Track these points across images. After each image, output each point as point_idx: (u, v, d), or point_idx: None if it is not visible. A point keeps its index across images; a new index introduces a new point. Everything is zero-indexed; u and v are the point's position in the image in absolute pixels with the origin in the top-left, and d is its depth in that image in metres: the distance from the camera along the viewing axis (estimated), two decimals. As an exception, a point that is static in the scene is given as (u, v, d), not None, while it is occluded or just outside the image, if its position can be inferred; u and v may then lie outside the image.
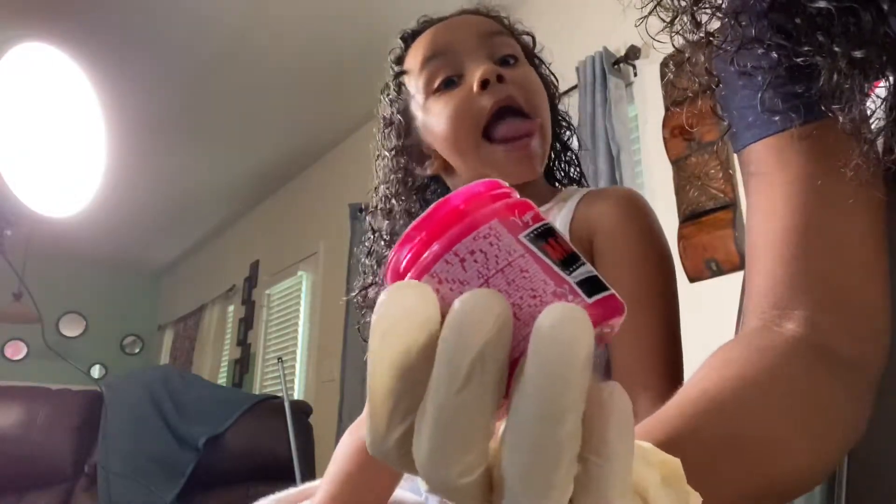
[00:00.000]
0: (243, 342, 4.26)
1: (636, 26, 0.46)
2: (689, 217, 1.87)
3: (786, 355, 0.38)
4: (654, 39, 0.45)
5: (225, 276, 4.74)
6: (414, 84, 0.73)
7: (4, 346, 5.15)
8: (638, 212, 0.66)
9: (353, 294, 0.79)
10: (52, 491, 1.97)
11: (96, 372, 5.33)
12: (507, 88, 0.67)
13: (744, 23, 0.40)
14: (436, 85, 0.70)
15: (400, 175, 0.75)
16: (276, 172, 4.14)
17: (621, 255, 0.63)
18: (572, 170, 0.83)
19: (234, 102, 3.35)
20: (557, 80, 0.82)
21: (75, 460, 2.02)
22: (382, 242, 0.76)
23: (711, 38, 0.43)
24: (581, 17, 2.31)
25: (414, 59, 0.74)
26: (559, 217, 0.68)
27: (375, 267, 0.76)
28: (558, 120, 0.81)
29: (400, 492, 0.72)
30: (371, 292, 0.76)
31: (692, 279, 1.82)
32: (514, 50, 0.72)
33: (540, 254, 0.23)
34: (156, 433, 2.07)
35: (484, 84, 0.66)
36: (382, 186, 0.77)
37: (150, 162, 3.86)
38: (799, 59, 0.39)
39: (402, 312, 0.22)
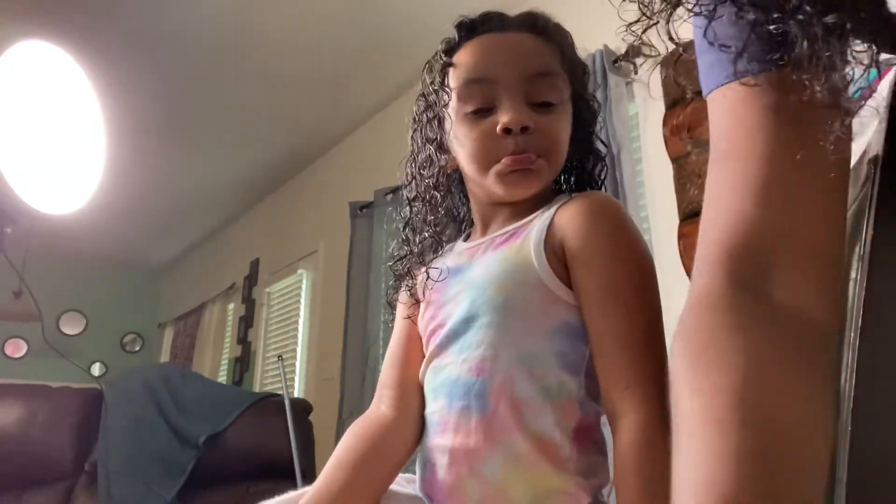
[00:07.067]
0: (243, 340, 4.26)
1: (628, 40, 0.46)
2: (690, 215, 1.87)
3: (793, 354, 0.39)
4: (648, 45, 0.45)
5: (225, 275, 4.74)
6: (454, 83, 0.76)
7: (4, 344, 5.15)
8: (606, 213, 0.68)
9: (391, 263, 0.84)
10: (53, 489, 1.97)
11: (96, 370, 5.33)
12: (527, 140, 0.71)
13: None
14: (469, 109, 0.74)
15: (430, 159, 0.80)
16: (277, 171, 4.13)
17: (590, 255, 0.66)
18: (591, 174, 0.83)
19: (235, 101, 3.34)
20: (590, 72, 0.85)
21: (75, 458, 2.02)
22: (426, 232, 0.80)
23: (682, 3, 0.43)
24: (581, 16, 2.30)
25: (462, 63, 0.76)
26: (538, 223, 0.70)
27: (412, 237, 0.81)
28: (589, 131, 0.82)
29: (396, 486, 0.73)
30: (407, 262, 0.81)
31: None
32: (554, 94, 0.74)
33: None
34: (156, 431, 2.07)
35: (507, 131, 0.71)
36: (415, 167, 0.82)
37: (150, 160, 3.85)
38: (772, 27, 0.39)
39: None
